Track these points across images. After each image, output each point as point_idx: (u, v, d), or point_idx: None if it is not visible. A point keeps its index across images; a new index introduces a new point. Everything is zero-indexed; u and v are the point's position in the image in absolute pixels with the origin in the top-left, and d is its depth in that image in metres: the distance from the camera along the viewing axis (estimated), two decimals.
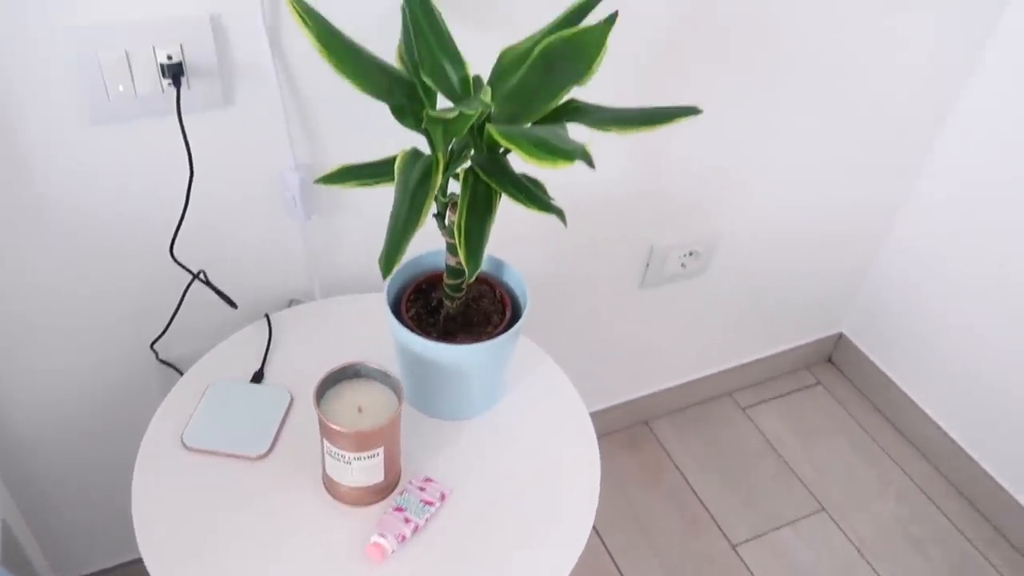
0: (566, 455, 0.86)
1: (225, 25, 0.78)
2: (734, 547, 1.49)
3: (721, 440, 1.68)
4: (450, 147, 0.72)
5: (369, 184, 0.72)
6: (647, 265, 1.34)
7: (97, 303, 0.92)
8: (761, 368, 1.78)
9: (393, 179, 0.69)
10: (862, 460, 1.67)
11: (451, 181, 0.74)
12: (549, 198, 0.73)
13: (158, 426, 0.83)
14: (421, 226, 0.62)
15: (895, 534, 1.53)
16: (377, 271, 1.07)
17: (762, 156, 1.29)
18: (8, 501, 1.04)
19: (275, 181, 0.92)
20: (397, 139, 0.93)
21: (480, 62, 0.83)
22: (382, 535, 0.74)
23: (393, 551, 0.74)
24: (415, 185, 0.63)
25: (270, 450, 0.82)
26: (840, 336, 1.85)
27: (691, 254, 1.37)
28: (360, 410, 0.74)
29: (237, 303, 1.01)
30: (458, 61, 0.72)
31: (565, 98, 0.72)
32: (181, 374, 0.89)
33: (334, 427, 0.71)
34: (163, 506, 0.76)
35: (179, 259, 0.92)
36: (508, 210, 1.09)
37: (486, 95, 0.61)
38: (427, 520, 0.77)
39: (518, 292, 0.87)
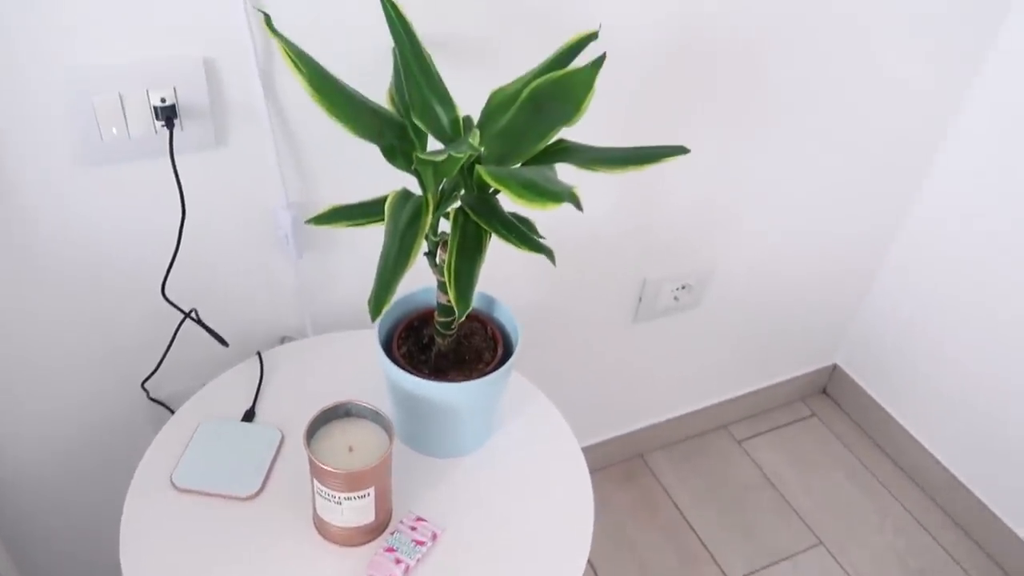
0: (559, 492, 0.85)
1: (218, 68, 0.79)
2: None
3: (717, 473, 1.67)
4: (441, 187, 0.73)
5: (360, 224, 0.73)
6: (640, 299, 1.35)
7: (88, 341, 0.92)
8: (756, 400, 1.77)
9: (384, 219, 0.69)
10: (859, 492, 1.66)
11: (442, 220, 0.75)
12: (539, 237, 0.74)
13: (148, 465, 0.82)
14: (410, 267, 0.62)
15: (893, 567, 1.52)
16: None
17: (753, 190, 1.30)
18: None
19: (267, 219, 0.92)
20: (390, 178, 0.94)
21: (471, 102, 0.84)
22: None
23: None
24: (404, 226, 0.64)
25: (260, 490, 0.81)
26: (835, 367, 1.85)
27: (684, 287, 1.38)
28: (351, 450, 0.74)
29: (229, 341, 1.01)
30: (448, 103, 0.73)
31: (554, 138, 0.72)
32: (172, 412, 0.89)
33: (324, 467, 0.70)
34: (152, 547, 0.75)
35: (171, 298, 0.92)
36: (500, 247, 1.10)
37: (474, 138, 0.61)
38: (418, 560, 0.77)
39: (510, 329, 0.87)
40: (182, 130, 0.80)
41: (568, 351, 1.37)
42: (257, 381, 0.93)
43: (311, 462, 0.72)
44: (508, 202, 0.70)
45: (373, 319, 0.59)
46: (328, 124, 0.88)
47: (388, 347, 0.84)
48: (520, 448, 0.89)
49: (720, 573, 1.49)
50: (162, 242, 0.88)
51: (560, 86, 0.71)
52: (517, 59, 0.94)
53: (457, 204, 0.72)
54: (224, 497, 0.80)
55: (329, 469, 0.70)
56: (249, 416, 0.88)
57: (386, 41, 0.85)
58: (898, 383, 1.71)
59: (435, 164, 0.66)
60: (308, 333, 1.04)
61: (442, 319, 0.81)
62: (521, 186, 0.62)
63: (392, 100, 0.77)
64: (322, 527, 0.78)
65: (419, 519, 0.81)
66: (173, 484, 0.80)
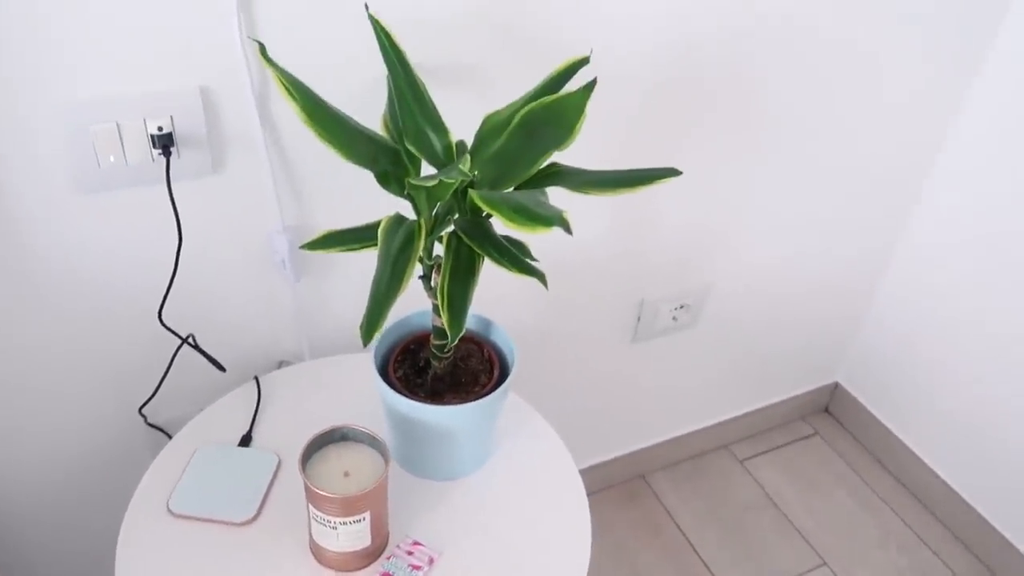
0: (556, 514, 0.85)
1: (215, 96, 0.80)
2: None
3: (719, 493, 1.66)
4: (435, 211, 0.74)
5: (354, 249, 0.73)
6: (638, 319, 1.35)
7: (86, 367, 0.92)
8: (757, 419, 1.77)
9: (377, 244, 0.70)
10: (862, 510, 1.65)
11: (437, 243, 0.76)
12: (533, 260, 0.74)
13: (144, 491, 0.82)
14: (403, 292, 0.63)
15: None
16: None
17: (749, 210, 1.31)
18: None
19: (264, 244, 0.93)
20: (386, 202, 0.95)
21: (465, 127, 0.85)
22: None
23: None
24: (397, 252, 0.64)
25: (257, 515, 0.81)
26: (836, 386, 1.85)
27: (682, 307, 1.38)
28: (346, 474, 0.74)
29: (227, 365, 1.01)
30: (441, 129, 0.74)
31: (547, 162, 0.73)
32: (170, 437, 0.89)
33: (319, 492, 0.70)
34: (147, 573, 0.75)
35: (168, 324, 0.93)
36: (497, 270, 1.10)
37: (464, 164, 0.62)
38: None
39: (506, 351, 0.87)
40: (179, 158, 0.81)
41: (568, 372, 1.37)
42: (254, 406, 0.93)
43: (306, 487, 0.72)
44: (501, 225, 0.70)
45: (365, 344, 0.60)
46: (324, 150, 0.89)
47: (384, 370, 0.84)
48: (517, 470, 0.89)
49: None
50: (160, 268, 0.89)
51: (552, 111, 0.72)
52: (511, 84, 0.95)
53: (450, 228, 0.73)
54: (220, 523, 0.80)
55: (324, 494, 0.70)
56: (246, 441, 0.88)
57: (381, 68, 0.86)
58: (900, 400, 1.70)
59: (427, 189, 0.66)
60: (306, 357, 1.05)
61: (438, 342, 0.82)
62: (512, 210, 0.62)
63: (386, 126, 0.78)
64: (318, 552, 0.78)
65: (416, 543, 0.80)
66: (169, 510, 0.80)
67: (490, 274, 1.12)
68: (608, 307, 1.30)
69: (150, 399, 0.97)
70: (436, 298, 0.77)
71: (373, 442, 0.76)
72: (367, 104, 0.88)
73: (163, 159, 0.79)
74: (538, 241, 1.14)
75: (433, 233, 0.74)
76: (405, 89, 0.73)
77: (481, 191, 0.66)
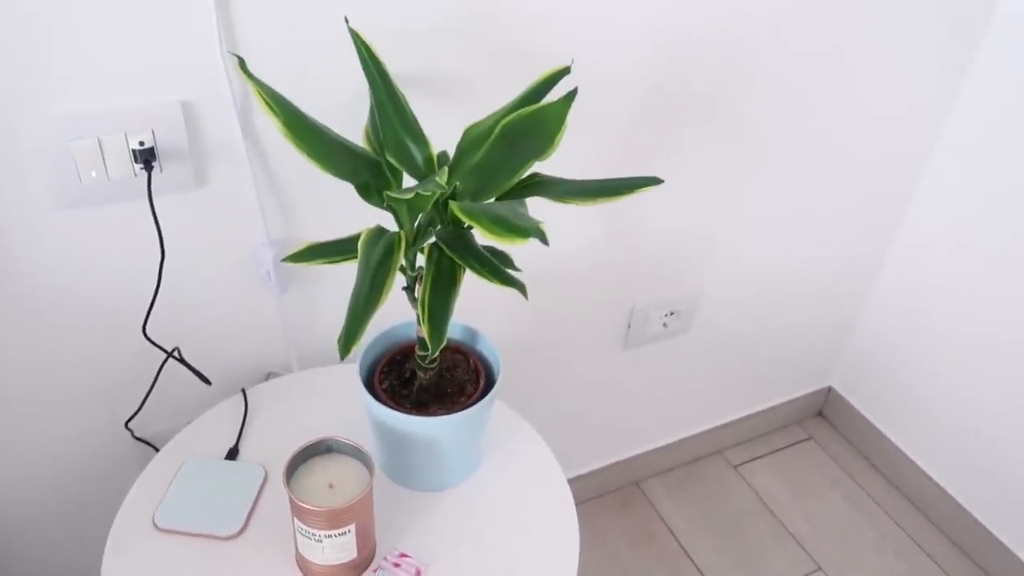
0: (544, 523, 0.85)
1: (196, 110, 0.80)
2: None
3: (713, 499, 1.66)
4: (416, 223, 0.74)
5: (336, 262, 0.73)
6: (629, 326, 1.35)
7: (71, 382, 0.92)
8: (751, 424, 1.77)
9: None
10: (857, 515, 1.65)
11: (420, 255, 0.76)
12: (514, 270, 0.74)
13: (130, 505, 0.82)
14: (382, 305, 0.63)
15: None
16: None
17: (738, 217, 1.31)
18: None
19: (249, 257, 0.93)
20: (371, 214, 0.95)
21: (447, 138, 0.85)
22: None
23: None
24: (376, 264, 0.64)
25: (243, 529, 0.81)
26: (830, 390, 1.85)
27: (672, 314, 1.38)
28: (331, 486, 0.74)
29: (214, 378, 1.01)
30: (422, 141, 0.74)
31: (528, 172, 0.73)
32: (157, 451, 0.89)
33: (303, 505, 0.70)
34: None
35: (152, 337, 0.93)
36: (482, 280, 1.10)
37: (442, 176, 0.62)
38: None
39: (492, 360, 0.87)
40: (161, 172, 0.81)
41: (559, 380, 1.37)
42: (241, 418, 0.93)
43: (291, 500, 0.71)
44: (482, 236, 0.70)
45: (342, 357, 0.60)
46: (307, 163, 0.89)
47: (370, 382, 0.84)
48: (505, 480, 0.89)
49: None
50: (144, 282, 0.89)
51: (533, 121, 0.72)
52: (493, 95, 0.95)
53: (432, 239, 0.73)
54: (206, 537, 0.80)
55: (307, 507, 0.70)
56: (233, 454, 0.88)
57: (364, 80, 0.87)
58: (893, 404, 1.70)
59: (407, 201, 0.66)
60: (293, 368, 1.05)
61: (423, 352, 0.82)
62: (491, 221, 0.62)
63: (368, 138, 0.78)
64: (304, 565, 0.77)
65: (403, 555, 0.80)
66: (155, 524, 0.80)
67: (480, 284, 1.12)
68: (598, 314, 1.30)
69: (136, 413, 0.97)
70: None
71: (358, 454, 0.76)
72: (351, 117, 0.88)
73: (145, 174, 0.79)
74: (527, 251, 1.14)
75: (415, 245, 0.74)
76: (385, 101, 0.73)
77: (461, 202, 0.66)
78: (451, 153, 0.77)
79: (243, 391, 0.95)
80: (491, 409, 0.85)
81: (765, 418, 1.78)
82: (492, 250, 0.75)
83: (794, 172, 1.31)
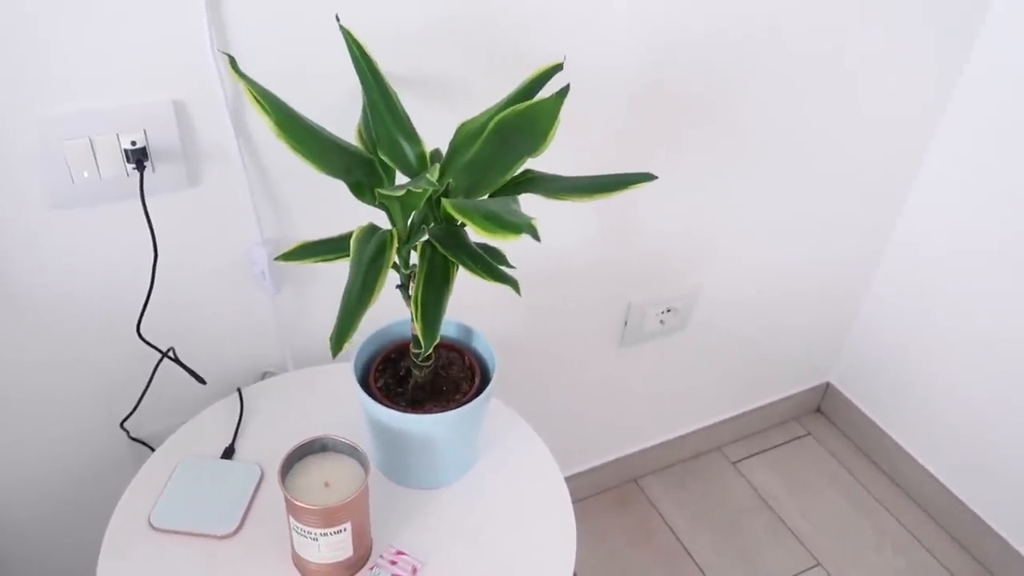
0: (541, 521, 0.85)
1: (188, 109, 0.80)
2: None
3: (712, 496, 1.66)
4: (410, 220, 0.74)
5: (328, 260, 0.73)
6: (625, 323, 1.35)
7: (66, 382, 0.92)
8: (749, 421, 1.77)
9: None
10: (856, 511, 1.65)
11: (414, 253, 0.76)
12: (508, 267, 0.74)
13: (126, 505, 0.82)
14: (374, 303, 0.63)
15: None
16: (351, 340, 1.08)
17: (735, 214, 1.31)
18: None
19: (243, 257, 0.93)
20: (364, 212, 0.95)
21: (441, 135, 0.85)
22: None
23: None
24: (368, 262, 0.64)
25: (239, 528, 0.81)
26: (828, 386, 1.85)
27: (669, 311, 1.38)
28: (327, 485, 0.74)
29: (210, 377, 1.01)
30: (414, 139, 0.74)
31: (521, 169, 0.73)
32: (153, 451, 0.89)
33: (297, 503, 0.70)
34: None
35: (147, 338, 0.93)
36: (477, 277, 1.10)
37: (433, 174, 0.62)
38: None
39: (487, 358, 0.87)
40: (154, 171, 0.81)
41: (557, 378, 1.37)
42: (237, 417, 0.93)
43: (286, 498, 0.71)
44: (475, 233, 0.70)
45: (334, 355, 0.59)
46: (300, 161, 0.89)
47: (365, 380, 0.84)
48: (501, 478, 0.89)
49: None
50: (138, 282, 0.89)
51: (525, 117, 0.72)
52: (486, 93, 0.95)
53: (425, 237, 0.73)
54: (202, 536, 0.80)
55: (303, 505, 0.70)
56: (228, 453, 0.88)
57: (355, 79, 0.86)
58: (892, 400, 1.70)
59: (399, 199, 0.66)
60: (289, 367, 1.05)
61: (417, 350, 0.82)
62: (484, 218, 0.62)
63: (361, 137, 0.78)
64: (300, 564, 0.77)
65: (399, 552, 0.80)
66: (151, 524, 0.80)
67: (475, 282, 1.12)
68: (595, 312, 1.30)
69: (132, 413, 0.97)
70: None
71: (353, 452, 0.76)
72: (345, 115, 0.88)
73: (137, 173, 0.79)
74: (522, 249, 1.14)
75: (409, 242, 0.74)
76: (377, 99, 0.73)
77: (454, 199, 0.66)
78: (444, 151, 0.77)
79: (239, 390, 0.95)
80: (486, 406, 0.85)
81: (763, 414, 1.78)
82: (485, 247, 0.75)
83: (792, 171, 1.31)
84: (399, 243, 0.70)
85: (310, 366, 1.05)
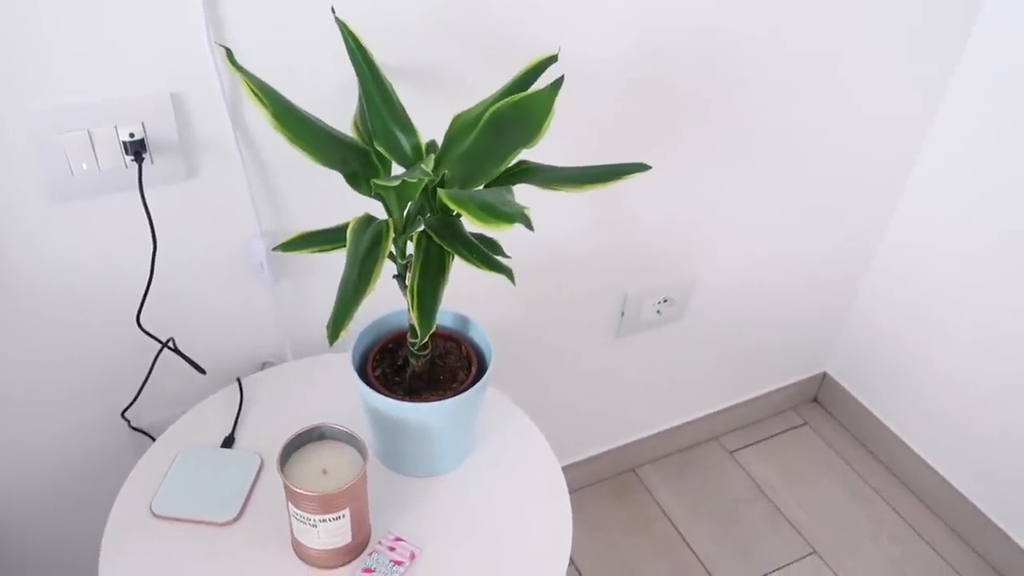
0: (537, 509, 0.86)
1: (186, 102, 0.81)
2: None
3: (709, 485, 1.67)
4: (406, 211, 0.74)
5: (326, 250, 0.74)
6: (622, 313, 1.36)
7: (66, 374, 0.93)
8: (746, 410, 1.78)
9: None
10: (852, 500, 1.66)
11: (410, 243, 0.76)
12: (503, 257, 0.75)
13: (127, 494, 0.83)
14: (370, 292, 0.63)
15: (889, 575, 1.52)
16: (348, 329, 1.09)
17: (732, 207, 1.32)
18: None
19: (242, 248, 0.94)
20: (362, 203, 0.96)
21: (436, 126, 0.86)
22: None
23: None
24: (364, 252, 0.65)
25: (239, 515, 0.82)
26: (824, 376, 1.86)
27: (665, 301, 1.39)
28: (325, 472, 0.75)
29: (209, 368, 1.02)
30: (410, 130, 0.74)
31: (515, 160, 0.74)
32: (154, 440, 0.90)
33: (296, 490, 0.71)
34: (131, 575, 0.76)
35: (147, 328, 0.94)
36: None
37: (428, 164, 0.63)
38: None
39: (484, 347, 0.88)
40: (152, 163, 0.81)
41: (554, 368, 1.37)
42: (237, 407, 0.94)
43: (285, 485, 0.72)
44: (470, 223, 0.71)
45: (331, 344, 0.60)
46: (296, 152, 0.90)
47: (363, 369, 0.85)
48: (498, 466, 0.90)
49: None
50: (137, 274, 0.90)
51: (520, 109, 0.72)
52: (482, 84, 0.96)
53: (421, 227, 0.73)
54: (203, 523, 0.81)
55: (301, 492, 0.71)
56: (228, 442, 0.89)
57: (351, 72, 0.87)
58: (888, 389, 1.71)
59: (395, 189, 0.67)
60: (288, 358, 1.06)
61: (414, 339, 0.82)
62: (479, 208, 0.63)
63: (357, 128, 0.78)
64: (300, 550, 0.78)
65: (398, 539, 0.81)
66: (152, 511, 0.81)
67: (472, 272, 1.13)
68: (592, 302, 1.31)
69: (132, 403, 0.98)
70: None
71: (352, 440, 0.77)
72: (342, 107, 0.89)
73: (135, 165, 0.80)
74: (519, 239, 1.15)
75: (405, 232, 0.74)
76: (373, 91, 0.73)
77: (449, 190, 0.67)
78: (439, 142, 0.78)
79: (238, 380, 0.96)
80: (483, 395, 0.86)
81: (760, 404, 1.79)
82: (481, 237, 0.75)
83: (788, 164, 1.32)
84: (395, 233, 0.70)
85: (309, 356, 1.06)
